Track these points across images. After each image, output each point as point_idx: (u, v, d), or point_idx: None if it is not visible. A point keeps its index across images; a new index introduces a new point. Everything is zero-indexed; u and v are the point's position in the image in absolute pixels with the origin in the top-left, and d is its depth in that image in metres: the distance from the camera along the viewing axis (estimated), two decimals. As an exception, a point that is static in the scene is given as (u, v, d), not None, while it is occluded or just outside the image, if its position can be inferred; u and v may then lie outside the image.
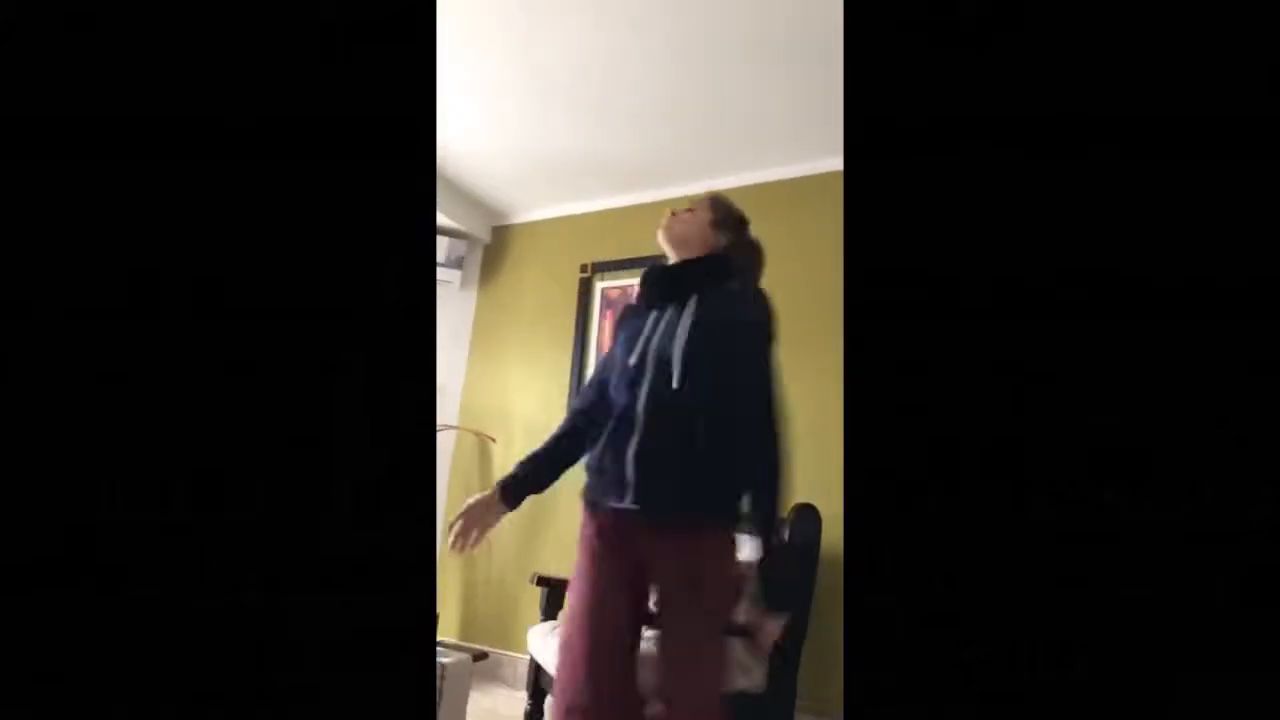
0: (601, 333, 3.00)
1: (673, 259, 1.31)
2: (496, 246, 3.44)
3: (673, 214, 1.33)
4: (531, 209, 3.32)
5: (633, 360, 1.19)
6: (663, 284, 1.26)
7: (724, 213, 1.33)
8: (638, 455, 1.12)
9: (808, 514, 1.76)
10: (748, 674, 1.74)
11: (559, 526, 2.85)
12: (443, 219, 3.18)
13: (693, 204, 1.35)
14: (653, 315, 1.23)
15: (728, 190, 2.81)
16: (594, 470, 1.21)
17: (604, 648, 1.12)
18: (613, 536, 1.17)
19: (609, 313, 3.01)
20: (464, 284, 3.42)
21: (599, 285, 3.06)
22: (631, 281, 2.96)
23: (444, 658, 2.09)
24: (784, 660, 1.67)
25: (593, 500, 1.21)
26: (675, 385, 1.12)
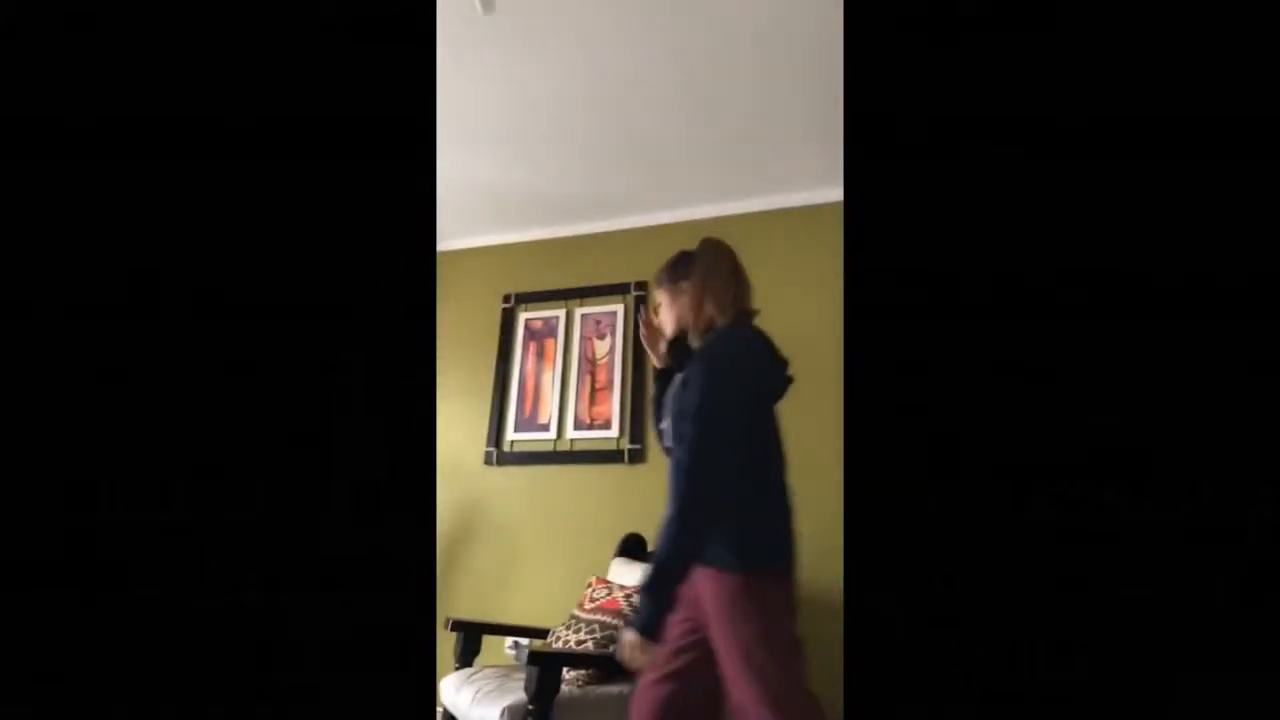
0: (525, 365, 2.88)
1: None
2: (416, 277, 3.34)
3: (656, 314, 1.49)
4: (452, 238, 3.22)
5: (661, 427, 1.39)
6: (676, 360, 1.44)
7: (682, 298, 1.40)
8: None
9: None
10: None
11: (472, 566, 2.65)
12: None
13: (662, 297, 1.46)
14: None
15: (655, 226, 2.82)
16: None
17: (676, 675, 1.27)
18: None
19: (532, 344, 2.91)
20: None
21: (522, 316, 2.96)
22: (555, 313, 2.91)
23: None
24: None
25: None
26: (667, 445, 1.31)
